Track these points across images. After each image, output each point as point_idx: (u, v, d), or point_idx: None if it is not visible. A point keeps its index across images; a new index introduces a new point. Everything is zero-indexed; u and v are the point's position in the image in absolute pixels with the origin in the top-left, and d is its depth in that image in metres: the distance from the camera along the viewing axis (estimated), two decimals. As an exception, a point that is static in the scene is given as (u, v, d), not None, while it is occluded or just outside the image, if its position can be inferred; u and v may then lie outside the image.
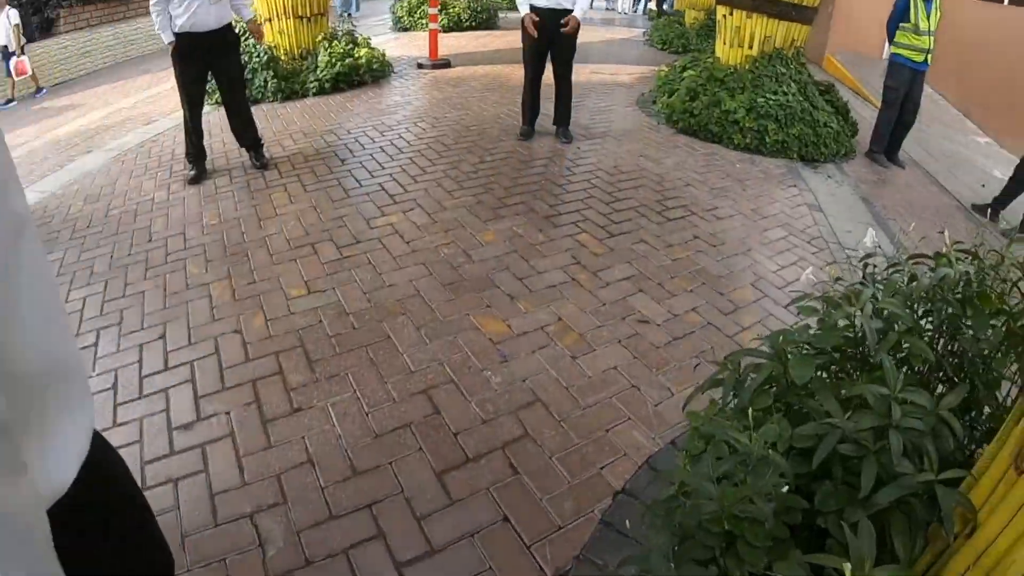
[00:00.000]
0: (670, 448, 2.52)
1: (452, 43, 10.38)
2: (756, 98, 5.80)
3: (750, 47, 6.25)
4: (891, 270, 2.06)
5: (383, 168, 5.05)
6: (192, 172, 4.96)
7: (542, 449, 2.44)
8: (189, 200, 4.67)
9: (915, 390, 1.43)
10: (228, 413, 2.62)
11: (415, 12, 12.09)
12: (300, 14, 7.53)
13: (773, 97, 5.81)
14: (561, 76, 5.39)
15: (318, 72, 7.36)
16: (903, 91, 6.38)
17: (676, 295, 3.51)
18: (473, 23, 11.83)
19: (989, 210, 5.86)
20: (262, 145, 5.24)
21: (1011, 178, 5.80)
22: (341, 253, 3.82)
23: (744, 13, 6.18)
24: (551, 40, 5.19)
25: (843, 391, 1.52)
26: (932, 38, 6.21)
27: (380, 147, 5.48)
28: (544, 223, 4.18)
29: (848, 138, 6.42)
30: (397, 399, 2.67)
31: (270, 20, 7.44)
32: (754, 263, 3.96)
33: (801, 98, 6.01)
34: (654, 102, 6.83)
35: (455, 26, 11.70)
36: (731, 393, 1.69)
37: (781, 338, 1.67)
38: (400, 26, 12.34)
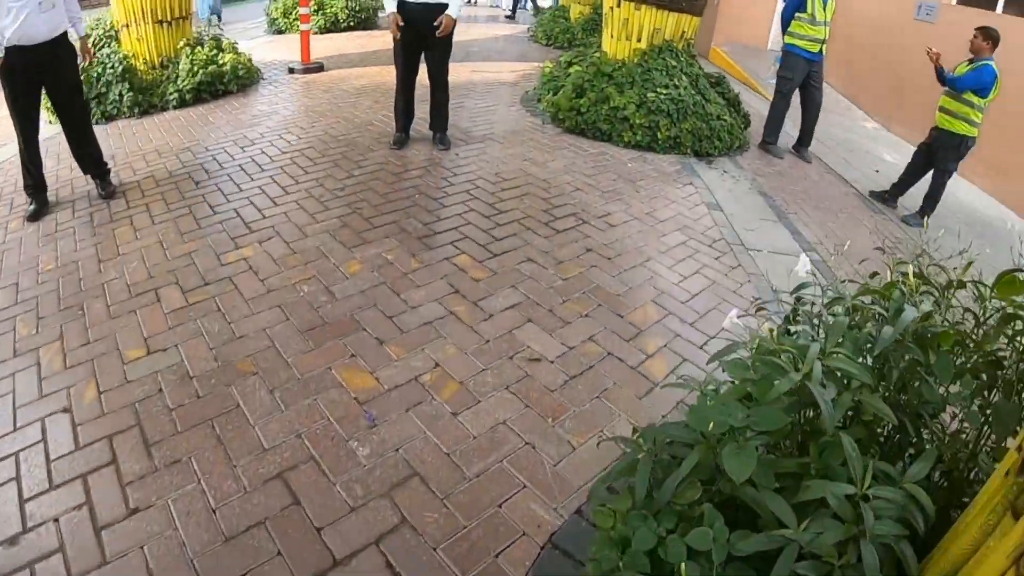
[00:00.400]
0: (576, 520, 2.10)
1: (328, 45, 9.70)
2: (646, 93, 5.47)
3: (639, 40, 5.92)
4: (830, 305, 1.70)
5: (240, 190, 4.41)
6: (32, 207, 4.20)
7: (423, 539, 1.99)
8: (27, 240, 3.93)
9: (882, 475, 1.22)
10: (56, 521, 2.06)
11: (290, 13, 11.28)
12: (160, 18, 6.70)
13: (664, 91, 5.50)
14: (436, 78, 4.88)
15: (179, 82, 6.58)
16: (797, 82, 6.28)
17: (570, 322, 3.08)
18: (352, 23, 11.15)
19: (887, 195, 5.86)
20: (109, 171, 4.52)
21: (907, 167, 5.81)
22: (187, 299, 3.20)
23: (632, 5, 5.85)
24: (424, 40, 4.69)
25: (797, 493, 1.17)
26: (828, 28, 6.11)
27: (239, 165, 4.83)
28: (417, 246, 3.66)
29: (741, 130, 6.22)
30: (249, 487, 2.15)
31: (127, 26, 6.62)
32: (654, 275, 3.59)
33: (693, 92, 5.73)
34: (539, 100, 6.42)
35: (332, 27, 11.00)
36: (647, 484, 1.39)
37: (708, 418, 1.28)
38: (275, 28, 11.52)
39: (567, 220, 4.06)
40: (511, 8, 17.18)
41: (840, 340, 1.48)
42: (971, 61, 5.37)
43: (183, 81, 6.56)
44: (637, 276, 3.55)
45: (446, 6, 4.59)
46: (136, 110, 6.29)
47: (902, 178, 5.81)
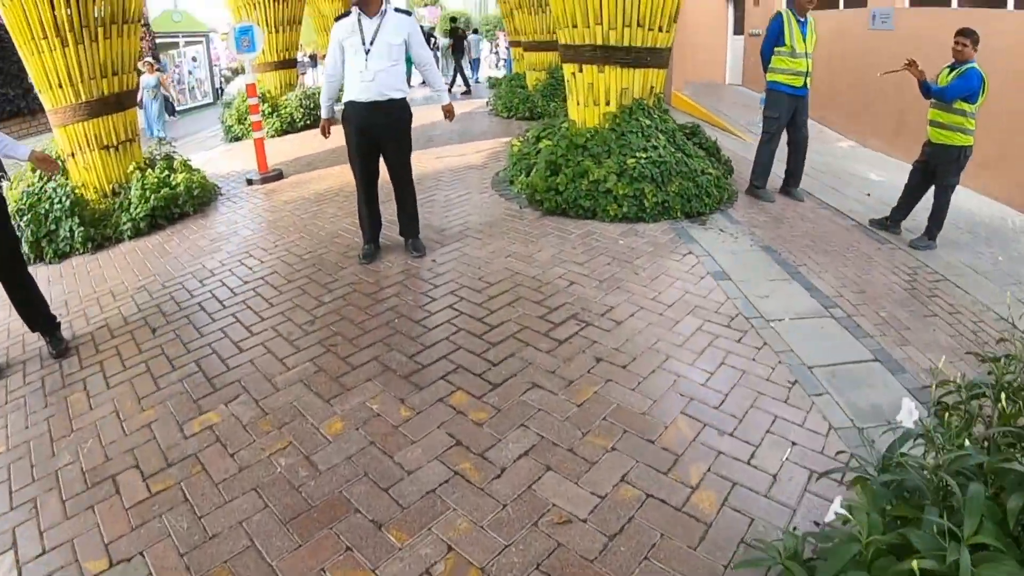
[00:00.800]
0: None
1: (287, 148, 9.42)
2: (626, 160, 5.12)
3: (607, 103, 5.61)
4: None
5: (201, 335, 3.95)
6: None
7: None
8: (-27, 416, 3.43)
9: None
10: None
11: (245, 120, 11.06)
12: (106, 144, 6.40)
13: (644, 155, 5.15)
14: (399, 178, 4.50)
15: (132, 210, 6.20)
16: (784, 120, 6.02)
17: (595, 462, 2.61)
18: (308, 121, 10.92)
19: (888, 222, 5.57)
20: (59, 325, 4.06)
21: (905, 189, 5.52)
22: (149, 488, 2.70)
23: (595, 68, 5.55)
24: (379, 139, 4.33)
25: None
26: (810, 61, 5.86)
27: (199, 303, 4.39)
28: (405, 387, 3.19)
29: (727, 180, 5.88)
30: None
31: (73, 155, 6.31)
32: (676, 378, 3.15)
33: (673, 149, 5.41)
34: (511, 182, 6.05)
35: (289, 128, 10.77)
36: None
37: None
38: (232, 135, 11.28)
39: (568, 325, 3.62)
40: (463, 83, 17.43)
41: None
42: (953, 67, 5.10)
43: (136, 209, 6.19)
44: (658, 384, 3.10)
45: (401, 101, 4.26)
46: (89, 245, 5.91)
47: (901, 201, 5.52)
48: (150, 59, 12.89)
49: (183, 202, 6.47)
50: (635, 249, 4.63)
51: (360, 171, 4.41)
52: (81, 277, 5.30)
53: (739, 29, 15.76)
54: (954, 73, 5.04)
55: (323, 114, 4.46)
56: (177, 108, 23.15)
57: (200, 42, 26.88)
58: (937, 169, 5.24)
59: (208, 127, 13.55)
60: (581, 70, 5.66)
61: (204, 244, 5.60)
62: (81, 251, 5.89)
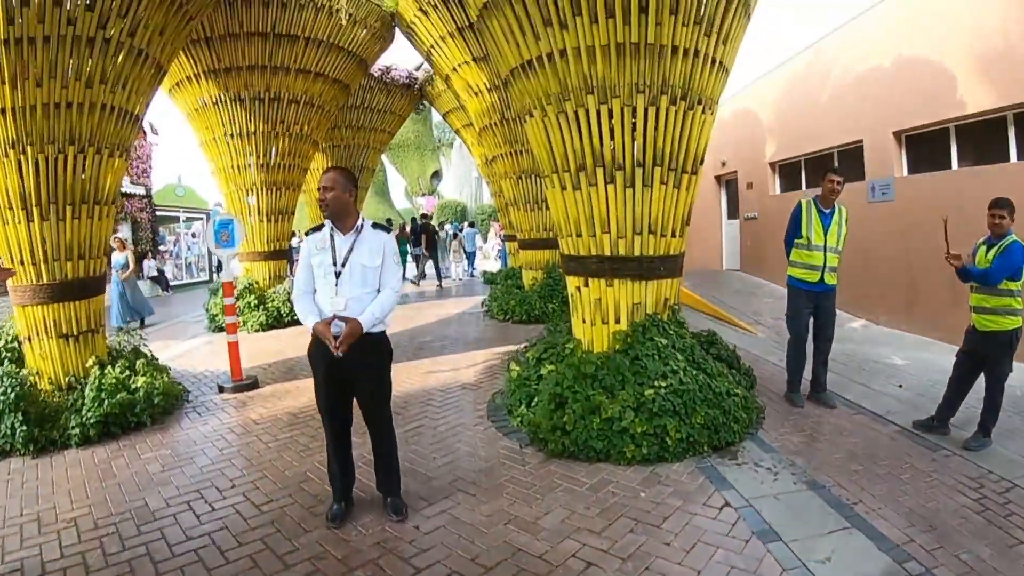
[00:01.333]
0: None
1: (270, 346, 8.83)
2: (643, 391, 4.45)
3: (617, 321, 5.02)
4: None
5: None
6: None
7: None
8: None
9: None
10: None
11: (229, 310, 10.59)
12: (65, 332, 5.83)
13: (663, 384, 4.49)
14: (375, 424, 3.74)
15: (83, 413, 5.47)
16: (804, 318, 5.57)
17: None
18: (294, 316, 10.43)
19: (935, 422, 4.98)
20: None
21: (951, 384, 4.92)
22: None
23: (603, 282, 5.03)
24: (350, 378, 3.65)
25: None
26: (831, 255, 5.47)
27: (130, 561, 3.49)
28: None
29: (753, 396, 5.23)
30: None
31: (30, 339, 5.76)
32: None
33: (694, 371, 4.77)
34: (510, 411, 5.28)
35: (276, 322, 10.25)
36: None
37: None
38: (215, 325, 10.75)
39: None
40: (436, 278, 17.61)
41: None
42: (989, 242, 4.63)
43: (88, 412, 5.48)
44: None
45: (377, 337, 3.62)
46: (32, 447, 5.17)
47: (947, 398, 4.91)
48: (121, 235, 12.54)
49: (140, 410, 5.74)
50: (661, 504, 3.83)
51: (328, 414, 3.66)
52: (12, 489, 4.55)
53: (733, 213, 15.89)
54: (994, 250, 4.59)
55: (312, 326, 3.53)
56: (172, 283, 23.05)
57: (201, 218, 27.38)
58: (987, 359, 4.69)
59: (199, 308, 13.09)
60: (587, 284, 5.14)
61: (154, 470, 4.78)
62: (22, 452, 5.15)
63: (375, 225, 3.67)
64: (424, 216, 21.01)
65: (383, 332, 3.63)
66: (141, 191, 22.17)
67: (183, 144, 48.00)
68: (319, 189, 3.56)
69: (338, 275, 3.50)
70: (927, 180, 8.99)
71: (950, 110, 8.44)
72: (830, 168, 5.64)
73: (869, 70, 10.20)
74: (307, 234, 3.68)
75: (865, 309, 9.96)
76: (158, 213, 24.30)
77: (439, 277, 18.25)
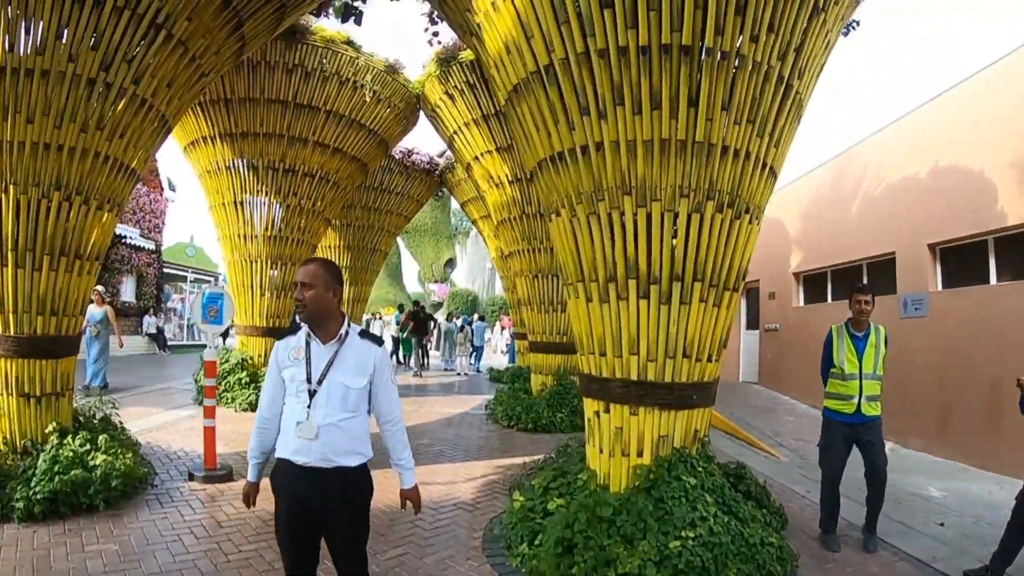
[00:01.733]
0: None
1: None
2: (668, 543, 3.77)
3: (639, 455, 4.39)
4: None
5: None
6: None
7: None
8: None
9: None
10: None
11: (222, 382, 10.02)
12: (27, 391, 5.30)
13: (691, 535, 3.82)
14: (346, 572, 3.03)
15: (31, 485, 4.88)
16: (839, 452, 5.07)
17: None
18: (287, 396, 9.85)
19: (990, 573, 4.43)
20: None
21: (1010, 529, 4.40)
22: None
23: (627, 409, 4.42)
24: (319, 521, 2.86)
25: None
26: (873, 382, 4.99)
27: None
28: None
29: (784, 540, 4.57)
30: None
31: None
32: None
33: (726, 518, 4.11)
34: (508, 547, 4.52)
35: (264, 400, 9.63)
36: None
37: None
38: (203, 399, 10.12)
39: None
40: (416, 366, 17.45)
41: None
42: None
43: (37, 485, 4.89)
44: None
45: (357, 472, 2.92)
46: None
47: (1007, 544, 4.38)
48: (100, 288, 12.00)
49: (95, 492, 5.08)
50: None
51: (289, 563, 2.99)
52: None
53: (753, 323, 15.35)
54: None
55: (249, 475, 2.98)
56: (172, 343, 22.57)
57: (209, 280, 27.18)
58: None
59: (186, 376, 12.51)
60: (607, 410, 4.50)
61: (95, 570, 4.08)
62: (-41, 517, 4.53)
63: (363, 334, 2.95)
64: (416, 303, 20.99)
65: (364, 464, 2.93)
66: (151, 246, 22.00)
67: (201, 204, 48.52)
68: (294, 284, 2.90)
69: (312, 394, 2.80)
70: (963, 295, 8.56)
71: (989, 221, 8.12)
72: (855, 287, 5.16)
73: (902, 179, 9.93)
74: (279, 338, 2.99)
75: (894, 431, 9.33)
76: (165, 270, 24.08)
77: (420, 367, 17.82)
